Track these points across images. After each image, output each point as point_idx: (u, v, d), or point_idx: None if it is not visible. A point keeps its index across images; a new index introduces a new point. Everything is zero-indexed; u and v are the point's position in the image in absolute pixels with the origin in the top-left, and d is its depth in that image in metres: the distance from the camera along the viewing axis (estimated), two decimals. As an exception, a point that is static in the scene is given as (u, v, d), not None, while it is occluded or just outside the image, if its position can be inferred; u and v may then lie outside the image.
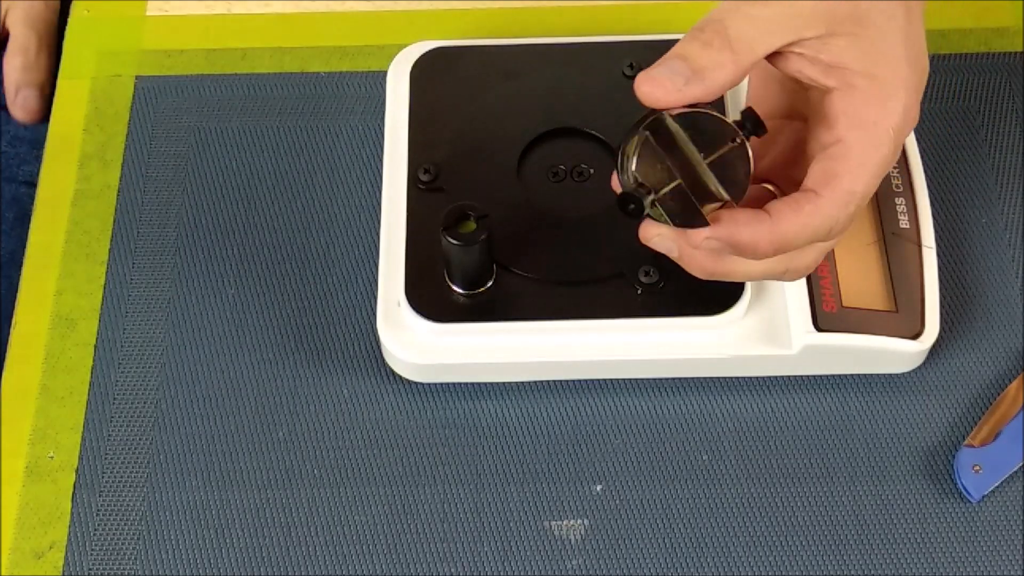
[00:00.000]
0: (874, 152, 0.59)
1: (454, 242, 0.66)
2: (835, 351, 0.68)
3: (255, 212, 0.76)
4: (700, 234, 0.60)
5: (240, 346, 0.72)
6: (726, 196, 0.59)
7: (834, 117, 0.59)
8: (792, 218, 0.59)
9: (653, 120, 0.59)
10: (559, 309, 0.69)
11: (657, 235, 0.61)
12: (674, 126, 0.58)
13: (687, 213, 0.59)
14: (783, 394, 0.70)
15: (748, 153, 0.59)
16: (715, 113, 0.59)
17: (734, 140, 0.58)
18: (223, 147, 0.78)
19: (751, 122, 0.60)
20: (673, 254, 0.62)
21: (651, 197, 0.59)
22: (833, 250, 0.69)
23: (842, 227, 0.60)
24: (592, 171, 0.73)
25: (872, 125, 0.59)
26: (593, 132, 0.73)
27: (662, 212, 0.59)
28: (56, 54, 0.76)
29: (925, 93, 0.76)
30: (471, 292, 0.69)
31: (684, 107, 0.58)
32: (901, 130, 0.59)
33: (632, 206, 0.59)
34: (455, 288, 0.69)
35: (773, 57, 0.60)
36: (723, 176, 0.58)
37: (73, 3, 0.84)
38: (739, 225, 0.59)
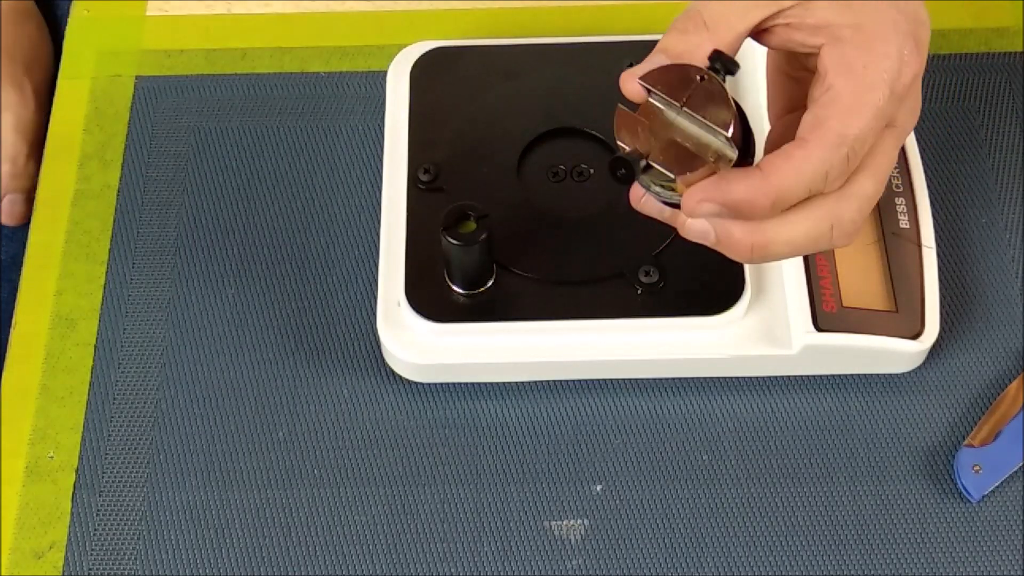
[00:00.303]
0: (865, 94, 0.57)
1: (454, 242, 0.66)
2: (835, 351, 0.68)
3: (255, 212, 0.76)
4: (694, 197, 0.58)
5: (240, 346, 0.72)
6: (718, 130, 0.57)
7: (823, 70, 0.58)
8: (783, 166, 0.57)
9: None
10: (559, 309, 0.69)
11: (690, 221, 0.60)
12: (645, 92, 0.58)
13: (682, 161, 0.57)
14: (783, 394, 0.70)
15: (722, 87, 0.57)
16: (679, 65, 0.58)
17: (702, 77, 0.57)
18: (223, 147, 0.78)
19: (720, 62, 0.58)
20: (710, 239, 0.60)
21: (643, 162, 0.57)
22: (833, 250, 0.69)
23: (839, 173, 0.58)
24: (592, 171, 0.73)
25: (861, 69, 0.58)
26: (593, 132, 0.73)
27: (663, 174, 0.57)
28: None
29: (925, 93, 0.76)
30: (471, 292, 0.69)
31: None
32: (897, 74, 0.58)
33: (622, 171, 0.57)
34: (455, 288, 0.69)
35: (762, 35, 0.59)
36: (705, 114, 0.57)
37: (73, 3, 0.84)
38: (731, 183, 0.57)
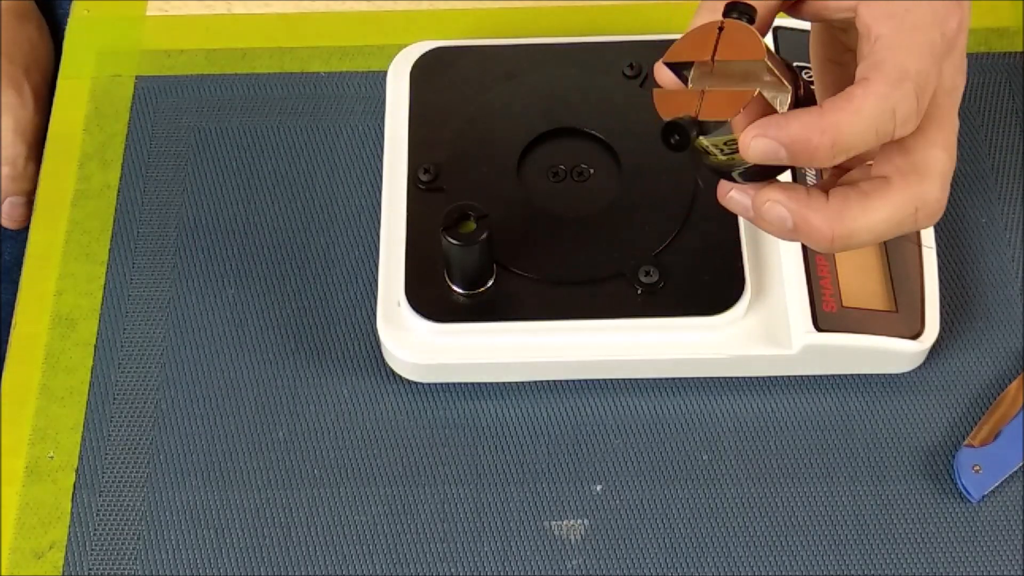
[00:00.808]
0: (916, 33, 0.55)
1: (454, 242, 0.66)
2: (835, 351, 0.68)
3: (255, 212, 0.76)
4: (749, 134, 0.55)
5: (240, 346, 0.72)
6: (757, 63, 0.55)
7: (865, 27, 0.56)
8: (843, 105, 0.54)
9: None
10: (559, 309, 0.69)
11: (768, 201, 0.57)
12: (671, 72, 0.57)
13: (729, 105, 0.55)
14: (783, 394, 0.70)
15: (743, 25, 0.55)
16: (695, 29, 0.56)
17: (720, 29, 0.55)
18: (223, 147, 0.78)
19: (736, 11, 0.56)
20: (788, 225, 0.57)
21: (693, 123, 0.55)
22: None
23: (905, 113, 0.54)
24: (592, 171, 0.73)
25: (904, 13, 0.55)
26: (593, 132, 0.73)
27: (713, 132, 0.56)
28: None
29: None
30: (471, 292, 0.69)
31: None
32: (944, 17, 0.55)
33: (676, 137, 0.55)
34: (455, 288, 0.69)
35: (795, 8, 0.58)
36: (737, 56, 0.55)
37: (73, 3, 0.84)
38: (787, 118, 0.54)
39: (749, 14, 0.56)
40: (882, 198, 0.57)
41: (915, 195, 0.57)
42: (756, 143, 0.55)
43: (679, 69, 0.57)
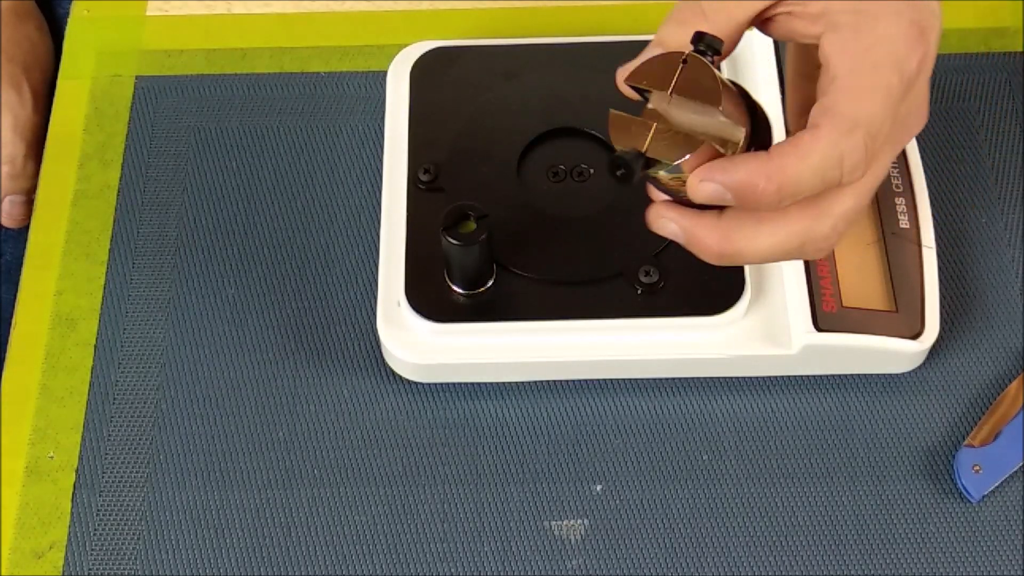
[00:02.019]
0: (872, 75, 0.55)
1: (454, 242, 0.66)
2: (835, 351, 0.68)
3: (255, 212, 0.76)
4: (696, 176, 0.56)
5: (240, 346, 0.72)
6: (711, 109, 0.55)
7: (826, 59, 0.56)
8: (791, 151, 0.54)
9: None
10: (559, 309, 0.69)
11: (661, 219, 0.59)
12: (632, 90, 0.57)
13: (678, 145, 0.56)
14: (783, 394, 0.70)
15: (707, 66, 0.55)
16: (663, 54, 0.57)
17: (684, 61, 0.56)
18: (223, 147, 0.78)
19: (703, 43, 0.56)
20: (680, 239, 0.59)
21: (640, 155, 0.56)
22: (833, 250, 0.69)
23: (853, 162, 0.55)
24: (592, 171, 0.73)
25: (864, 52, 0.55)
26: (593, 132, 0.73)
27: (662, 164, 0.56)
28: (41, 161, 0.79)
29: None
30: (471, 292, 0.69)
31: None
32: (904, 56, 0.56)
33: (621, 171, 0.56)
34: (455, 288, 0.69)
35: (765, 25, 0.58)
36: (693, 95, 0.55)
37: (73, 3, 0.84)
38: (734, 163, 0.55)
39: (715, 48, 0.56)
40: (772, 226, 0.57)
41: (805, 229, 0.57)
42: (703, 187, 0.56)
43: (639, 89, 0.58)
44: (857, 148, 0.55)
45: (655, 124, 0.56)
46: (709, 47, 0.56)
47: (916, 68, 0.56)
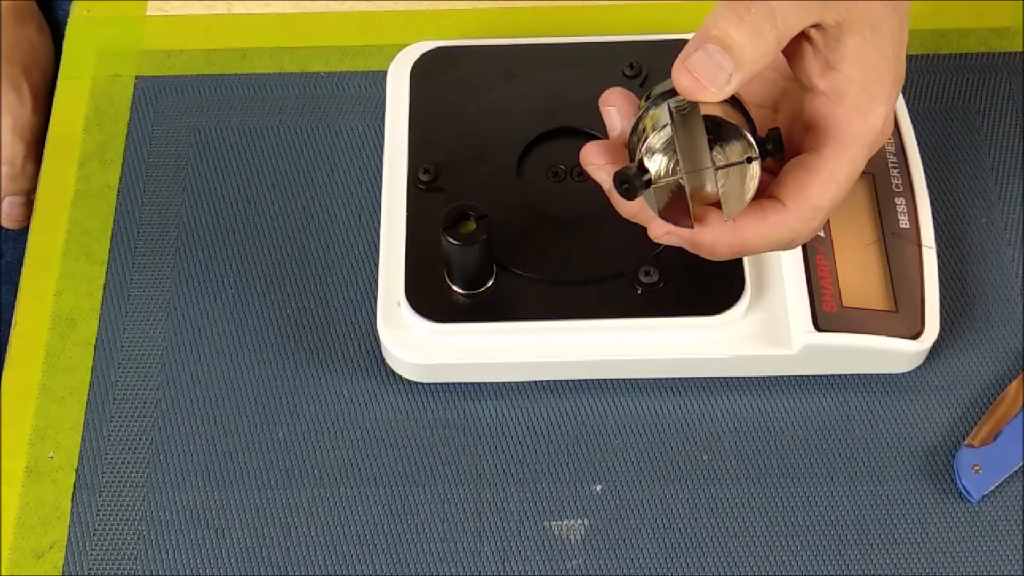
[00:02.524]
0: (847, 166, 0.59)
1: (454, 242, 0.66)
2: (835, 351, 0.68)
3: (255, 212, 0.76)
4: (661, 227, 0.60)
5: (240, 346, 0.72)
6: (722, 207, 0.58)
7: (815, 123, 0.59)
8: (755, 227, 0.59)
9: (682, 105, 0.57)
10: (559, 309, 0.69)
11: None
12: (698, 121, 0.57)
13: (677, 210, 0.58)
14: (783, 394, 0.70)
15: (757, 173, 0.58)
16: (739, 128, 0.57)
17: (749, 160, 0.57)
18: (223, 147, 0.78)
19: (773, 143, 0.59)
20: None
21: (648, 180, 0.58)
22: (834, 250, 0.69)
23: (803, 239, 0.61)
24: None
25: (851, 141, 0.59)
26: (593, 132, 0.73)
27: (652, 197, 0.58)
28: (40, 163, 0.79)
29: (925, 93, 0.76)
30: (471, 292, 0.69)
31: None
32: (875, 144, 0.60)
33: (626, 186, 0.58)
34: (455, 288, 0.69)
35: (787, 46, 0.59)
36: (727, 188, 0.58)
37: (73, 3, 0.84)
38: (703, 225, 0.59)
39: (776, 155, 0.59)
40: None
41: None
42: (668, 238, 0.60)
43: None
44: (811, 231, 0.60)
45: (680, 175, 0.58)
46: (775, 149, 0.59)
47: (879, 146, 0.60)
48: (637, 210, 0.61)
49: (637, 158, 0.58)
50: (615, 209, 0.62)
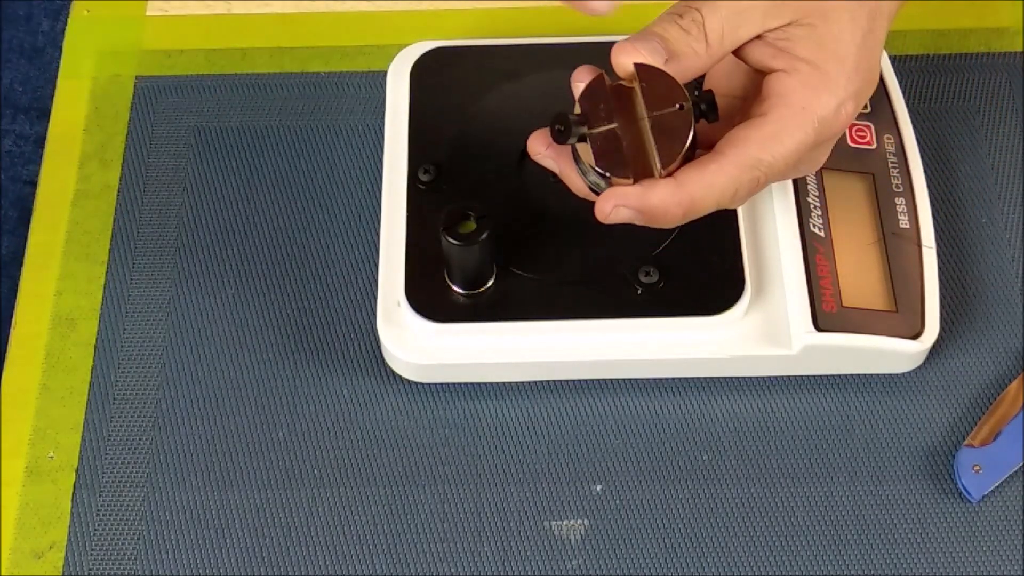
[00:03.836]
0: (794, 131, 0.59)
1: (454, 242, 0.66)
2: (835, 351, 0.68)
3: (255, 212, 0.76)
4: (609, 202, 0.59)
5: (240, 346, 0.72)
6: (657, 159, 0.59)
7: (766, 94, 0.60)
8: (696, 177, 0.59)
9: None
10: (559, 309, 0.69)
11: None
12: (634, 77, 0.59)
13: (613, 160, 0.59)
14: (783, 394, 0.70)
15: (690, 123, 0.59)
16: (673, 79, 0.59)
17: (681, 107, 0.58)
18: (223, 147, 0.78)
19: (707, 103, 0.60)
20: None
21: (583, 129, 0.59)
22: (834, 250, 0.69)
23: (746, 192, 0.60)
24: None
25: (800, 109, 0.59)
26: (593, 132, 0.73)
27: (589, 153, 0.59)
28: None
29: (925, 93, 0.76)
30: (471, 292, 0.69)
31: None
32: (828, 126, 0.60)
33: (560, 127, 0.59)
34: (455, 288, 0.69)
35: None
36: (659, 137, 0.59)
37: (73, 3, 0.84)
38: (648, 190, 0.59)
39: (708, 117, 0.60)
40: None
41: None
42: (617, 212, 0.59)
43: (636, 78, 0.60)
44: (751, 185, 0.60)
45: (616, 119, 0.59)
46: (704, 113, 0.60)
47: (834, 134, 0.61)
48: (587, 189, 0.62)
49: (576, 111, 0.60)
50: (571, 191, 0.63)
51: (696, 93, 0.60)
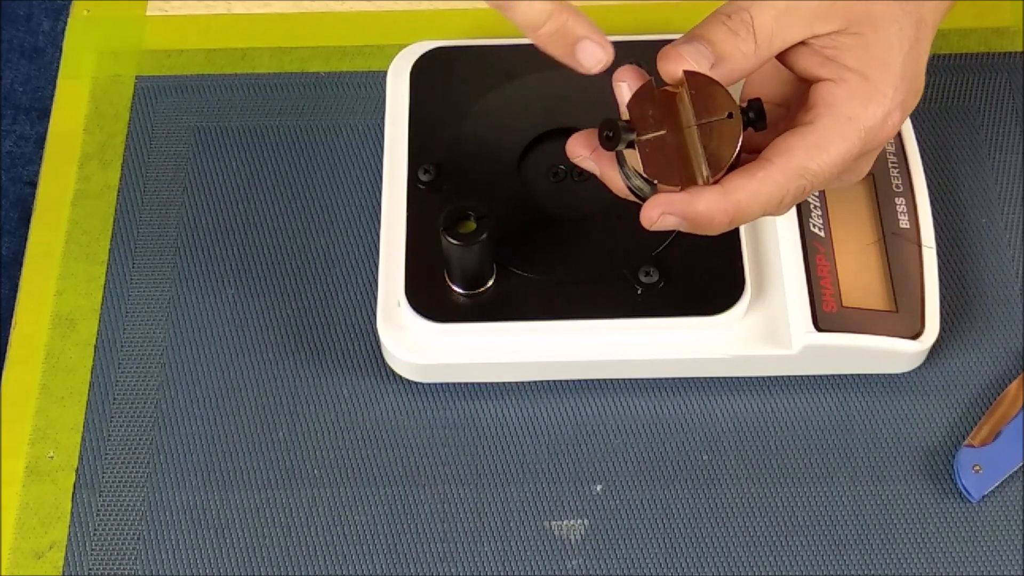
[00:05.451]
0: (839, 141, 0.59)
1: (454, 242, 0.66)
2: (835, 351, 0.68)
3: (255, 212, 0.76)
4: (656, 209, 0.59)
5: (240, 346, 0.72)
6: (704, 166, 0.58)
7: (813, 103, 0.60)
8: (744, 185, 0.58)
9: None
10: (559, 309, 0.69)
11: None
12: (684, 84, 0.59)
13: (661, 167, 0.59)
14: (783, 394, 0.70)
15: (739, 132, 0.58)
16: (722, 88, 0.58)
17: (730, 115, 0.58)
18: (223, 147, 0.78)
19: (755, 111, 0.60)
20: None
21: (632, 136, 0.59)
22: (834, 250, 0.69)
23: (792, 199, 0.59)
24: (592, 171, 0.73)
25: (846, 119, 0.59)
26: (593, 132, 0.73)
27: (636, 158, 0.59)
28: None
29: (925, 93, 0.76)
30: (471, 292, 0.69)
31: None
32: (874, 135, 0.59)
33: (609, 133, 0.59)
34: (455, 288, 0.69)
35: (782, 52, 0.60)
36: (708, 145, 0.58)
37: (73, 3, 0.84)
38: (694, 197, 0.58)
39: (756, 125, 0.60)
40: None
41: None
42: (663, 220, 0.59)
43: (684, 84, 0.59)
44: (798, 194, 0.59)
45: (664, 126, 0.59)
46: (753, 122, 0.59)
47: (878, 143, 0.60)
48: (627, 190, 0.61)
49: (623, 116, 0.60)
50: (613, 193, 0.62)
51: (747, 103, 0.60)
